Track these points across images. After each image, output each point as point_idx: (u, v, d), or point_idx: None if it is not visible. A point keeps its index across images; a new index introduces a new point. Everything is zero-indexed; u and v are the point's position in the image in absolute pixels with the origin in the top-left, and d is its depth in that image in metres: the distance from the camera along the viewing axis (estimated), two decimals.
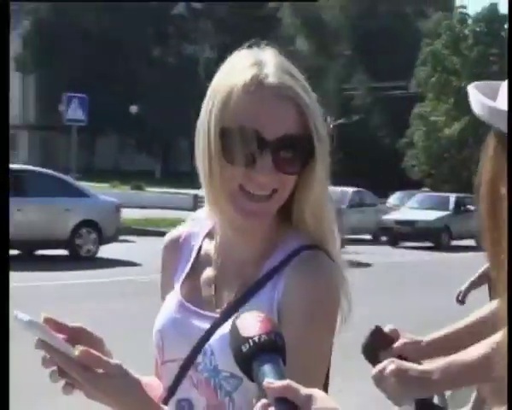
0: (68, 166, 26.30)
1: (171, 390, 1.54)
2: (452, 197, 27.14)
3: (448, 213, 25.82)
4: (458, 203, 26.30)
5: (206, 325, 1.51)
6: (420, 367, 1.94)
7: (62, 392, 1.35)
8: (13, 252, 16.37)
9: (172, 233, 1.69)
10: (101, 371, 1.32)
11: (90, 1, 50.87)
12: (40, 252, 16.67)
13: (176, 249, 1.66)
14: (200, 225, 1.65)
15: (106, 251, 16.22)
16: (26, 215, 15.82)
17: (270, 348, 1.17)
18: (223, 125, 1.47)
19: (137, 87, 50.42)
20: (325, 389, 1.52)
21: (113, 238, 16.77)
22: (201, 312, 1.53)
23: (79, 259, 15.95)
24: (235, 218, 1.50)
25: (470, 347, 1.93)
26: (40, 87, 54.42)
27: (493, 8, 46.39)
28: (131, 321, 10.04)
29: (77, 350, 1.31)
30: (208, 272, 1.58)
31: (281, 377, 1.14)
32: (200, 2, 55.19)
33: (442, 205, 26.50)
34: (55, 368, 1.33)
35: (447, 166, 45.63)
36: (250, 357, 1.17)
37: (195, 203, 28.83)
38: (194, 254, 1.62)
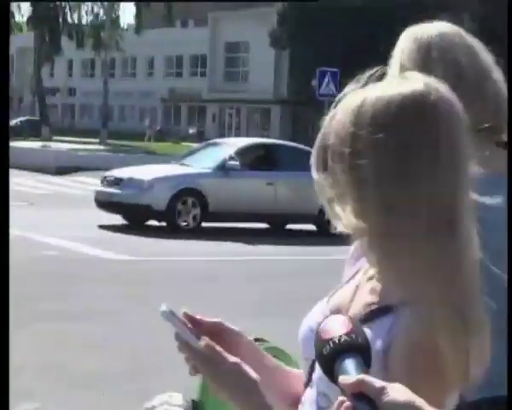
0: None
1: (305, 387, 1.56)
2: None
3: None
4: None
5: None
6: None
7: (189, 373, 1.43)
8: (262, 225, 16.94)
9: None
10: (222, 365, 1.38)
11: None
12: (290, 226, 17.10)
13: (356, 255, 1.66)
14: None
15: None
16: (276, 189, 16.29)
17: (350, 348, 1.18)
18: None
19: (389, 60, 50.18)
20: None
21: None
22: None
23: (328, 235, 16.16)
24: None
25: None
26: (293, 63, 55.68)
27: None
28: None
29: (203, 341, 1.38)
30: (357, 281, 1.57)
31: (360, 373, 1.14)
32: None
33: None
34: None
35: None
36: (331, 358, 1.19)
37: None
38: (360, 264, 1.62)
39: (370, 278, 1.52)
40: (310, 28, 52.10)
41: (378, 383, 1.13)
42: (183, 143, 45.05)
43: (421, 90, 1.41)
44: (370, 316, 1.44)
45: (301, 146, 17.53)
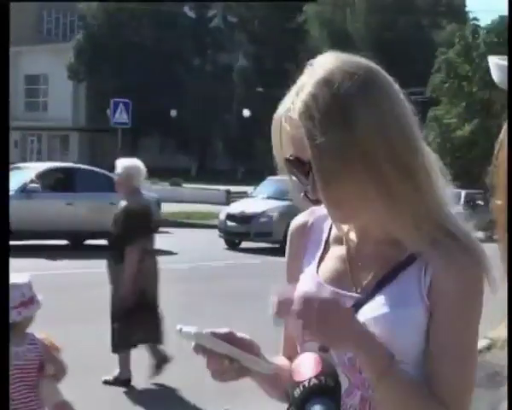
0: (114, 165, 26.47)
1: None
2: (463, 193, 26.91)
3: (459, 207, 25.52)
4: (468, 199, 26.07)
5: (347, 304, 1.42)
6: None
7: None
8: (63, 242, 16.50)
9: (298, 219, 1.61)
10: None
11: (127, 1, 51.62)
12: (88, 242, 16.77)
13: (305, 234, 1.57)
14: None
15: None
16: (75, 209, 15.94)
17: (320, 392, 1.12)
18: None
19: (178, 93, 50.61)
20: None
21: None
22: (340, 291, 1.45)
23: None
24: None
25: None
26: (90, 94, 54.87)
27: (503, 20, 45.89)
28: (168, 305, 10.06)
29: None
30: (341, 251, 1.50)
31: None
32: (235, 17, 55.20)
33: (453, 200, 26.28)
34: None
35: (459, 165, 45.30)
36: (302, 402, 1.12)
37: (228, 198, 28.81)
38: (325, 236, 1.55)
39: (361, 248, 1.48)
40: (105, 62, 51.57)
41: None
42: None
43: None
44: (398, 268, 1.43)
45: (98, 169, 17.28)
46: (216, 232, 18.48)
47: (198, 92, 50.61)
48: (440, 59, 47.52)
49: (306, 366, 1.14)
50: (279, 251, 15.30)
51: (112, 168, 25.00)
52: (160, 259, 16.47)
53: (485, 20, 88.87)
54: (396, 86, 1.48)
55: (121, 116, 24.28)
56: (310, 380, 1.12)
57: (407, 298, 1.40)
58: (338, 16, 56.49)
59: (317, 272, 1.50)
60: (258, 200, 18.40)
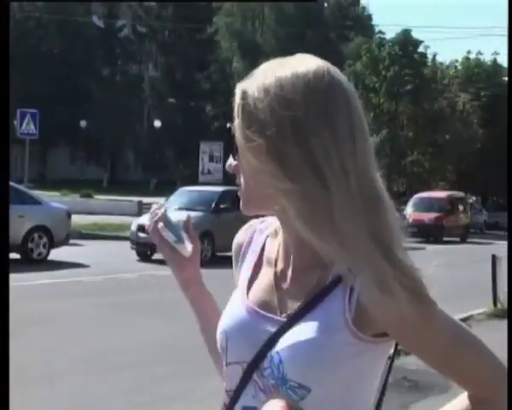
0: (22, 176, 25.92)
1: (236, 395, 1.39)
2: None
3: None
4: None
5: (272, 329, 1.37)
6: None
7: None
8: None
9: (237, 238, 1.57)
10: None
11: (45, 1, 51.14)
12: None
13: (240, 254, 1.54)
14: (265, 226, 1.53)
15: (57, 254, 15.96)
16: None
17: None
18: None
19: (88, 103, 49.93)
20: None
21: (63, 242, 16.51)
22: (267, 314, 1.39)
23: (31, 262, 15.67)
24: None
25: None
26: None
27: (407, 33, 47.23)
28: (79, 318, 9.91)
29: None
30: (270, 273, 1.45)
31: None
32: (145, 27, 54.86)
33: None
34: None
35: None
36: None
37: (140, 209, 28.57)
38: (257, 256, 1.50)
39: (288, 271, 1.40)
40: (11, 72, 50.40)
41: None
42: None
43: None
44: (323, 293, 1.33)
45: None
46: (128, 244, 18.31)
47: (108, 103, 50.08)
48: (348, 71, 48.58)
49: None
50: None
51: (20, 180, 24.43)
52: (72, 271, 16.16)
53: (390, 33, 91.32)
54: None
55: (28, 127, 23.81)
56: None
57: (331, 323, 1.32)
58: (247, 28, 56.98)
59: (247, 292, 1.45)
60: (170, 211, 18.33)
